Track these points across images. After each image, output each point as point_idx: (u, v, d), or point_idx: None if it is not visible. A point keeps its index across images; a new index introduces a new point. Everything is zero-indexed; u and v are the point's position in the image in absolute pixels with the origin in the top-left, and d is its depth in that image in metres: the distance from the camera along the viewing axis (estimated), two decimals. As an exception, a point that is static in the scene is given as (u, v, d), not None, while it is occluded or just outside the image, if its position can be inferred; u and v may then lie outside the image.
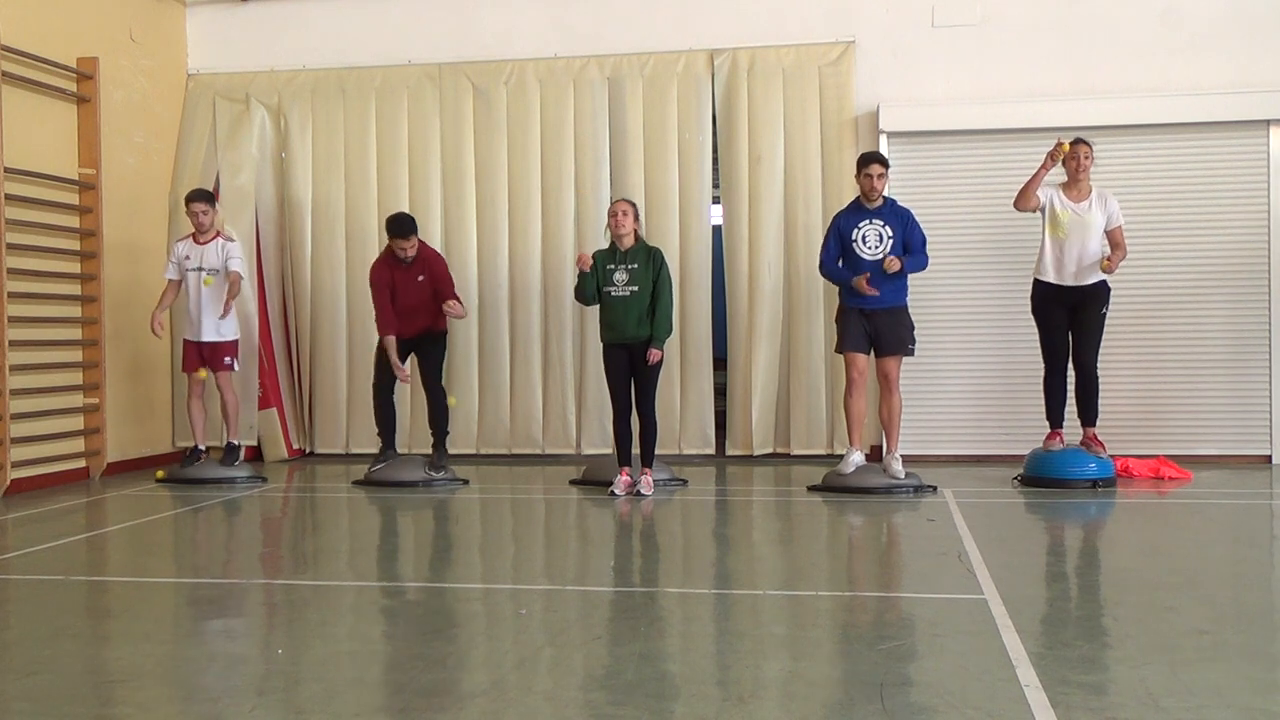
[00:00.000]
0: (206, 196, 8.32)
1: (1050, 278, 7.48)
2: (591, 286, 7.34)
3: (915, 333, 7.46)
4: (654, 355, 7.23)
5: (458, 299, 7.95)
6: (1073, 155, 7.36)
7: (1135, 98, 8.66)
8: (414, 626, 4.26)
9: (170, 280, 8.26)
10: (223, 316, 8.17)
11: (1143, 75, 8.72)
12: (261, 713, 3.20)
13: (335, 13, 9.74)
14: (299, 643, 4.01)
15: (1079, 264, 7.41)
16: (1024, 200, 7.46)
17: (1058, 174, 7.54)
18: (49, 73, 8.16)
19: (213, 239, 8.20)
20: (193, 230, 8.25)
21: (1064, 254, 7.41)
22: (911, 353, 7.45)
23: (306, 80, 9.68)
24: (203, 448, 8.35)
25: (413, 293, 7.93)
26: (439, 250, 8.64)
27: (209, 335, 8.19)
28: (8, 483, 7.58)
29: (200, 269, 8.15)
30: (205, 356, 8.23)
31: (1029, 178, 7.42)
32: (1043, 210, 7.48)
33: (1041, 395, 7.68)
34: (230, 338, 8.29)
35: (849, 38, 9.02)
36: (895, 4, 9.03)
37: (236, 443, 8.39)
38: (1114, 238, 7.45)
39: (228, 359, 8.25)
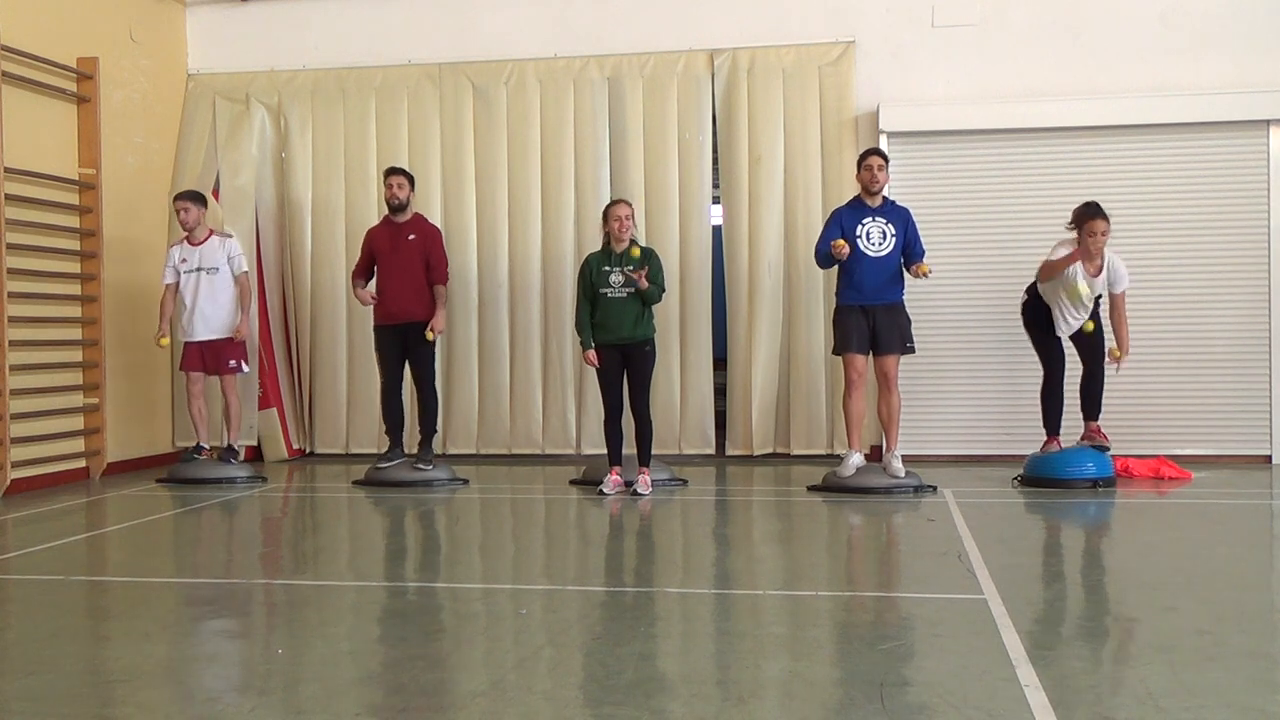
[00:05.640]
0: (191, 196, 8.30)
1: (1057, 329, 7.56)
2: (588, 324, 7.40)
3: (913, 329, 7.47)
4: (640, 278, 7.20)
5: (444, 283, 7.92)
6: (1090, 232, 7.25)
7: (1135, 98, 8.66)
8: (414, 626, 4.26)
9: (166, 285, 8.27)
10: (241, 321, 8.25)
11: (1143, 75, 8.71)
12: (261, 713, 3.20)
13: (335, 13, 9.74)
14: (299, 643, 4.01)
15: (1083, 318, 7.50)
16: (1050, 276, 7.42)
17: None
18: (49, 73, 8.16)
19: (206, 238, 8.21)
20: (184, 234, 8.27)
21: (1073, 313, 7.47)
22: (911, 350, 7.45)
23: (306, 80, 9.68)
24: (205, 445, 8.38)
25: (401, 255, 7.83)
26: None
27: (201, 334, 8.21)
28: (8, 483, 7.58)
29: (199, 269, 8.17)
30: (205, 358, 8.26)
31: (1057, 261, 7.31)
32: (1064, 275, 7.40)
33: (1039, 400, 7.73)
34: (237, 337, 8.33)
35: (849, 38, 9.01)
36: (895, 4, 9.03)
37: (236, 446, 8.40)
38: (1114, 302, 7.42)
39: (232, 361, 8.26)
